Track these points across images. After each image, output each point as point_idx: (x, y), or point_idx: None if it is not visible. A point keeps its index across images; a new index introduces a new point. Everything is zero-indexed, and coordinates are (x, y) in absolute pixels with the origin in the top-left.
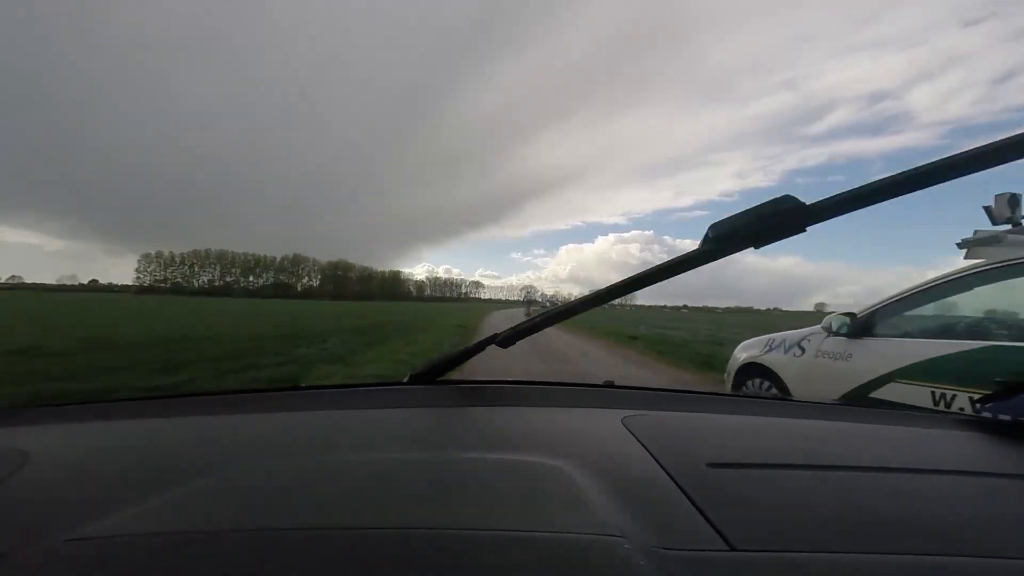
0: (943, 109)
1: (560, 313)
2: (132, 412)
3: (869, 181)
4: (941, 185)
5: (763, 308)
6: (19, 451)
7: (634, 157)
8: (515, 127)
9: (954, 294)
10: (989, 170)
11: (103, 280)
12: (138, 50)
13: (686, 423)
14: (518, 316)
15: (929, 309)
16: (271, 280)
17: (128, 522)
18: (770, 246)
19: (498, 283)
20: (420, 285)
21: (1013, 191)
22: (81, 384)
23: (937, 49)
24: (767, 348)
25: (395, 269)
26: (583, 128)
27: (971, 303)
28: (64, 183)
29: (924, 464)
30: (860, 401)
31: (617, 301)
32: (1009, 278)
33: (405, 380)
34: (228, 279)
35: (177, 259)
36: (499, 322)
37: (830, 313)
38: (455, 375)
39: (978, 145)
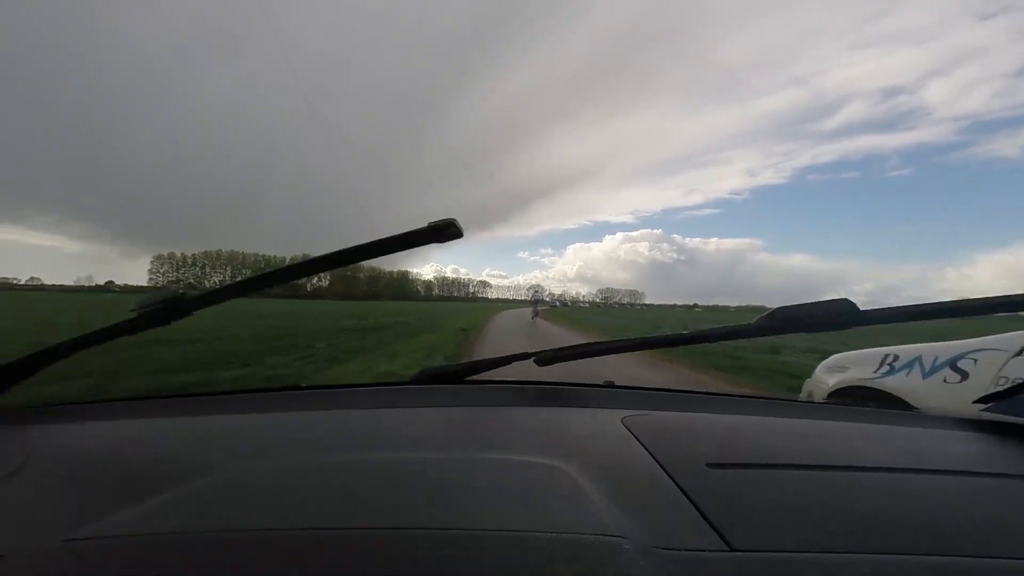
0: (960, 104)
1: (611, 347)
2: (132, 412)
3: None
4: (955, 182)
5: (775, 307)
6: (19, 451)
7: (642, 155)
8: (522, 127)
9: None
10: (996, 172)
11: (119, 281)
12: (153, 58)
13: (686, 423)
14: (526, 315)
15: None
16: None
17: (127, 522)
18: (780, 242)
19: (505, 282)
20: (428, 285)
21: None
22: (81, 384)
23: (952, 43)
24: (885, 368)
25: (403, 269)
26: (590, 127)
27: None
28: (85, 187)
29: (924, 464)
30: (860, 401)
31: (627, 300)
32: None
33: (407, 380)
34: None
35: (189, 260)
36: (508, 322)
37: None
38: None
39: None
